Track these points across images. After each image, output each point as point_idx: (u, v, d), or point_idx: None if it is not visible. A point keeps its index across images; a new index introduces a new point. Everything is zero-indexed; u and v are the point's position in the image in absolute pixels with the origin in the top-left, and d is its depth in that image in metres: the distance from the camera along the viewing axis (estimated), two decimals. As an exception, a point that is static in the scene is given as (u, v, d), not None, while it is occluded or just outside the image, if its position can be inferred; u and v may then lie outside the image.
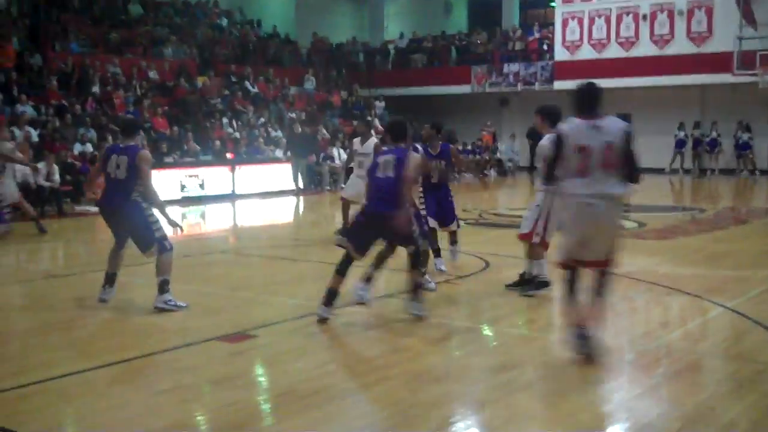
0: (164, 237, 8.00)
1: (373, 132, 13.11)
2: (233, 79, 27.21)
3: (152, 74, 25.05)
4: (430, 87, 30.48)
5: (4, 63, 21.37)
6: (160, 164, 19.11)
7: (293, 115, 25.93)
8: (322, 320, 7.53)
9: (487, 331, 7.69)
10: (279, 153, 23.52)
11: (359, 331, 7.55)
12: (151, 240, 7.94)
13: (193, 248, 12.48)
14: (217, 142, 22.31)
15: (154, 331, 7.44)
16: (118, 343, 7.07)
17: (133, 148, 8.05)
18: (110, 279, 8.25)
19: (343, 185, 15.25)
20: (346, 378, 6.32)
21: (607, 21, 27.82)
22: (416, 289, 7.70)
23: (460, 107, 30.10)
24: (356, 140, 12.54)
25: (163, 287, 7.96)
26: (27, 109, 19.71)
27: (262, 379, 6.36)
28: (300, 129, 23.54)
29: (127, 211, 7.92)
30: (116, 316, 7.97)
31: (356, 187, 11.44)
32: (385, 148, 8.14)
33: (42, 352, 6.80)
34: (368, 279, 7.93)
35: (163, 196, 17.24)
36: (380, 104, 30.14)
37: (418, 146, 9.58)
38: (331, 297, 7.54)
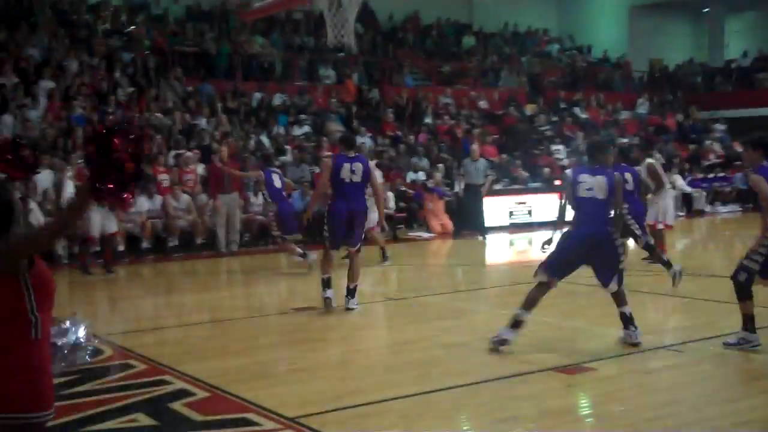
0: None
1: None
2: (562, 105, 26.82)
3: (482, 104, 25.39)
4: (778, 107, 27.92)
5: (346, 98, 22.72)
6: (488, 192, 19.18)
7: (626, 140, 24.93)
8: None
9: None
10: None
11: (709, 370, 6.78)
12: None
13: (522, 276, 12.19)
14: (546, 169, 21.98)
15: (491, 358, 7.22)
16: (457, 368, 6.96)
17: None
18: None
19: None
20: (694, 419, 5.60)
21: None
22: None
23: (813, 128, 27.31)
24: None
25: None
26: (366, 141, 20.70)
27: (602, 414, 5.85)
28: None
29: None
30: (458, 341, 7.85)
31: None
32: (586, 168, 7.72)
33: (384, 373, 6.82)
34: None
35: (491, 222, 17.29)
36: (720, 126, 28.14)
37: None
38: None
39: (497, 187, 20.17)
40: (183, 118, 18.62)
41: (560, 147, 23.76)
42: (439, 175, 19.53)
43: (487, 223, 18.32)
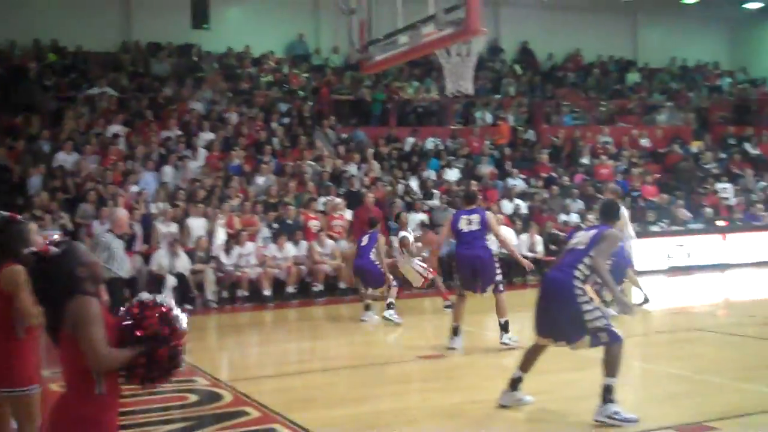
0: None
1: None
2: (731, 141, 25.55)
3: (644, 141, 24.61)
4: None
5: (499, 140, 22.63)
6: (645, 233, 18.51)
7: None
8: None
9: None
10: (782, 218, 21.37)
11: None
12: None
13: (670, 323, 11.69)
14: (708, 209, 20.95)
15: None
16: (575, 420, 6.83)
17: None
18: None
19: None
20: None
21: None
22: None
23: None
24: None
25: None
26: (517, 182, 20.51)
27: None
28: None
29: None
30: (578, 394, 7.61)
31: None
32: None
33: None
34: None
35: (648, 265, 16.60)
36: None
37: None
38: None
39: (654, 228, 19.47)
40: (334, 164, 19.13)
41: (727, 185, 22.61)
42: (592, 217, 19.01)
43: (642, 267, 17.65)
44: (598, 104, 26.09)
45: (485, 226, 10.05)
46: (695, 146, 24.93)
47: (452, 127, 23.26)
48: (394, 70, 23.53)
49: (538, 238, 17.65)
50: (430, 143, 21.83)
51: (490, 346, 10.30)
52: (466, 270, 10.11)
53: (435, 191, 19.14)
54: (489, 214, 10.43)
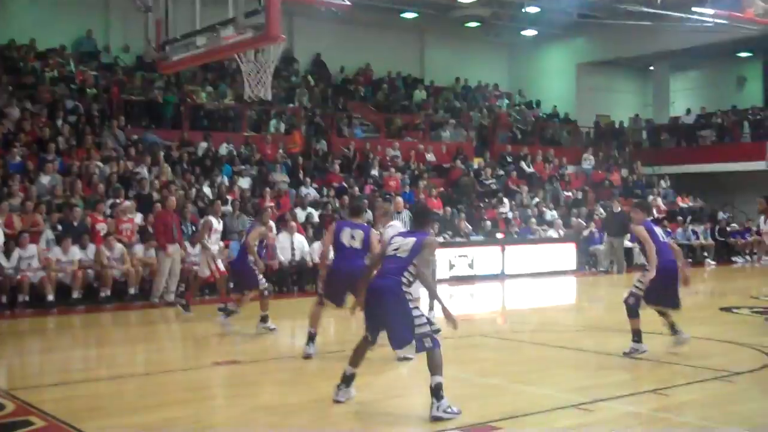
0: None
1: None
2: (509, 159, 27.18)
3: (429, 156, 25.65)
4: (719, 164, 28.52)
5: (293, 149, 22.83)
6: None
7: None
8: None
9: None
10: (552, 233, 22.97)
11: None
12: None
13: (453, 330, 12.25)
14: (488, 223, 22.20)
15: (396, 417, 7.25)
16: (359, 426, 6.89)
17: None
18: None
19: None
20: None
21: None
22: None
23: (752, 185, 27.78)
24: None
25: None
26: (310, 191, 20.79)
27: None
28: (619, 208, 22.72)
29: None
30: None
31: None
32: None
33: None
34: None
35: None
36: (664, 183, 28.69)
37: None
38: None
39: (438, 239, 20.30)
40: (124, 165, 18.58)
41: (505, 200, 24.03)
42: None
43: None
44: (387, 118, 26.93)
45: (367, 246, 9.45)
46: (476, 162, 26.32)
47: (245, 133, 23.19)
48: (187, 73, 23.17)
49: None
50: (223, 149, 21.66)
51: (283, 353, 10.41)
52: (340, 284, 9.55)
53: (228, 197, 19.02)
54: (373, 233, 9.76)
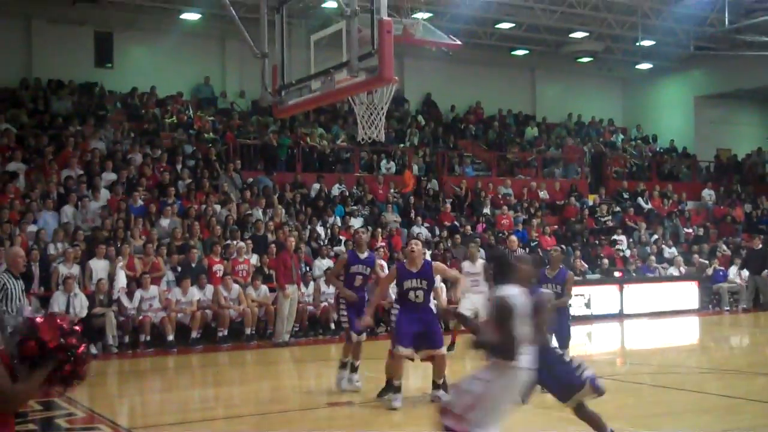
0: None
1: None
2: (625, 195, 26.52)
3: (542, 194, 25.29)
4: None
5: (404, 189, 22.91)
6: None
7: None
8: None
9: None
10: (673, 270, 22.19)
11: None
12: None
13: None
14: (605, 260, 21.62)
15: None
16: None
17: None
18: None
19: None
20: None
21: None
22: None
23: None
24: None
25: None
26: (422, 230, 20.76)
27: None
28: (760, 245, 22.00)
29: None
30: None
31: None
32: None
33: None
34: None
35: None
36: (791, 218, 27.46)
37: None
38: None
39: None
40: (239, 208, 18.99)
41: (622, 238, 23.41)
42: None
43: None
44: (499, 156, 26.73)
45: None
46: (591, 199, 25.79)
47: (357, 174, 23.41)
48: (300, 116, 23.58)
49: (442, 285, 17.82)
50: (335, 189, 21.92)
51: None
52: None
53: (341, 237, 19.19)
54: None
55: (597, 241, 22.95)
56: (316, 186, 21.71)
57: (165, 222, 17.53)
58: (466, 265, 13.63)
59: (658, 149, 31.21)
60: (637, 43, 27.64)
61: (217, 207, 18.67)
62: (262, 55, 9.99)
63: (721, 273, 22.11)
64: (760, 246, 21.29)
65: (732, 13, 22.96)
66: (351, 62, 8.71)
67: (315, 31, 9.43)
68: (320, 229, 19.45)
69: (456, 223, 21.88)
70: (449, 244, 20.48)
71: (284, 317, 15.48)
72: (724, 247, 23.80)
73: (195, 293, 15.53)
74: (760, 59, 25.20)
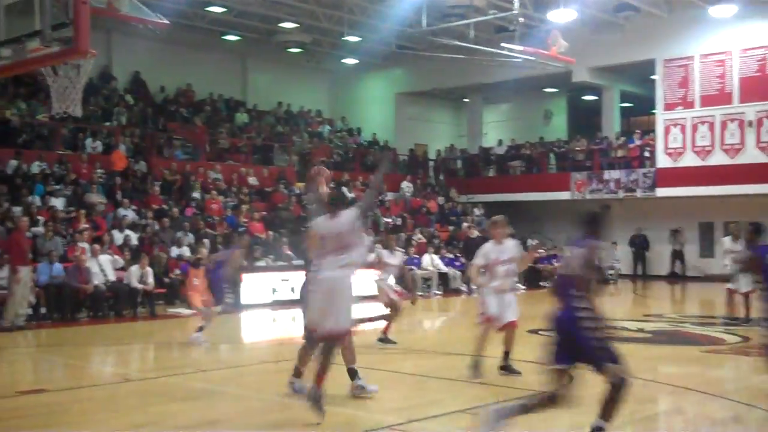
0: None
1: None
2: (331, 184, 27.47)
3: (252, 180, 25.58)
4: (528, 193, 30.12)
5: (116, 167, 22.20)
6: (252, 268, 19.32)
7: (389, 219, 25.89)
8: None
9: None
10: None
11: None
12: None
13: (275, 354, 12.30)
14: (309, 247, 22.34)
15: None
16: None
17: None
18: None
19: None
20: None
21: (711, 128, 27.06)
22: None
23: (559, 214, 29.59)
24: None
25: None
26: (128, 213, 20.27)
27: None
28: (475, 234, 23.31)
29: None
30: (185, 423, 7.71)
31: None
32: None
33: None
34: None
35: (254, 299, 17.44)
36: (478, 211, 29.94)
37: None
38: None
39: (261, 263, 20.31)
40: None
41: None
42: (204, 251, 19.32)
43: (249, 300, 18.51)
44: (210, 141, 26.63)
45: None
46: (298, 187, 26.49)
47: (59, 152, 22.31)
48: (-3, 88, 22.10)
49: (149, 269, 17.58)
50: (35, 167, 20.74)
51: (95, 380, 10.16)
52: None
53: (40, 217, 18.25)
54: None
55: (303, 228, 23.58)
56: (14, 162, 20.43)
57: None
58: (384, 254, 13.33)
59: (361, 141, 32.70)
60: (343, 38, 28.70)
61: None
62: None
63: (415, 260, 23.67)
64: (477, 234, 22.75)
65: (430, 16, 24.31)
66: (44, 31, 8.32)
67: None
68: (17, 209, 18.35)
69: (164, 206, 21.57)
70: (156, 228, 20.18)
71: (15, 299, 14.85)
72: (420, 235, 25.47)
73: None
74: (454, 62, 27.04)
